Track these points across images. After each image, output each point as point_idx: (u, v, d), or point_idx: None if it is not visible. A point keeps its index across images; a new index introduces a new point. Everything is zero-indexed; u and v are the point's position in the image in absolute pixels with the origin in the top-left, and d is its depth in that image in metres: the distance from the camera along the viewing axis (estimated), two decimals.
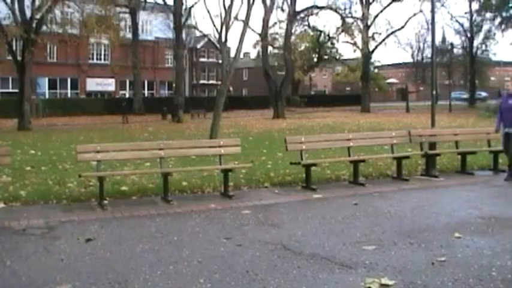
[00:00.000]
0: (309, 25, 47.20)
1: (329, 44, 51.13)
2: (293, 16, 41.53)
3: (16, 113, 28.01)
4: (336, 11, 44.59)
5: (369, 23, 45.00)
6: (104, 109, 43.75)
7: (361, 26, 43.00)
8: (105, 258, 5.01)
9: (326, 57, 53.06)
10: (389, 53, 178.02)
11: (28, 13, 26.16)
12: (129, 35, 43.85)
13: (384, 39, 48.54)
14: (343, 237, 5.63)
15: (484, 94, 62.29)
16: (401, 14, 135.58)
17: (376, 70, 63.07)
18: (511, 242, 5.39)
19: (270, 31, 41.43)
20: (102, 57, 55.01)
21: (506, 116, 9.50)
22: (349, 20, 44.42)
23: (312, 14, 46.11)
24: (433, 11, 12.08)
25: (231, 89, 59.86)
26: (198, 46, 71.60)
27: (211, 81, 74.10)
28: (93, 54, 54.35)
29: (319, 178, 9.39)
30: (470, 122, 25.92)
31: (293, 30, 42.80)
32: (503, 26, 49.02)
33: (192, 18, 52.10)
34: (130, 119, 35.60)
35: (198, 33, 55.72)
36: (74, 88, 54.03)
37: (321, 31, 48.26)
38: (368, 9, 44.98)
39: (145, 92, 56.08)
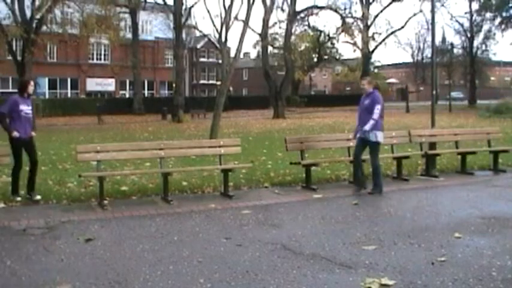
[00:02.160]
0: (309, 25, 47.22)
1: (329, 44, 51.12)
2: (293, 16, 41.53)
3: None
4: (336, 11, 44.57)
5: (368, 23, 45.04)
6: (103, 109, 43.69)
7: (361, 26, 43.02)
8: (105, 258, 5.01)
9: (326, 57, 53.05)
10: (389, 53, 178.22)
11: (28, 13, 26.16)
12: (129, 35, 43.85)
13: (384, 39, 48.66)
14: (343, 237, 5.63)
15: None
16: (401, 14, 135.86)
17: (376, 70, 63.06)
18: (511, 242, 5.39)
19: (270, 31, 41.49)
20: (102, 57, 55.04)
21: (362, 118, 8.30)
22: (349, 20, 44.45)
23: (312, 14, 46.11)
24: (433, 11, 12.08)
25: (231, 89, 59.92)
26: (198, 46, 71.66)
27: (211, 81, 74.15)
28: (93, 54, 54.38)
29: (319, 178, 9.39)
30: (470, 122, 25.93)
31: (293, 30, 42.80)
32: (503, 26, 49.11)
33: (192, 18, 52.21)
34: (131, 119, 35.62)
35: (198, 33, 55.78)
36: (74, 88, 54.05)
37: (321, 31, 48.27)
38: (368, 9, 45.01)
39: (145, 92, 56.11)
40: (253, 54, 70.85)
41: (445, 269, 4.53)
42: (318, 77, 79.35)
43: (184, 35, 41.48)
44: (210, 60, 74.24)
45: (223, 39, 21.51)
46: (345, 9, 45.37)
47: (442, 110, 36.96)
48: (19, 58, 26.87)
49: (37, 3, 25.85)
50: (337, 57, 54.79)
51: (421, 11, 47.93)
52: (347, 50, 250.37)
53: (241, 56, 35.07)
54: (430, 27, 18.36)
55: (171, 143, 9.12)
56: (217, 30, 23.53)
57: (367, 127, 8.06)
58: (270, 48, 44.40)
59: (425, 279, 4.30)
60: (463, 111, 39.50)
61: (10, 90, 46.08)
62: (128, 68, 46.78)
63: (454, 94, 61.92)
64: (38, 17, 26.00)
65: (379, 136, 8.18)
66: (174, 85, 41.69)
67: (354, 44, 45.49)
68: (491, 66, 68.05)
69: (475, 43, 52.78)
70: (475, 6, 50.44)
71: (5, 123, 7.68)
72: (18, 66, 26.84)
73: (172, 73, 47.57)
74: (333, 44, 51.53)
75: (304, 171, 8.84)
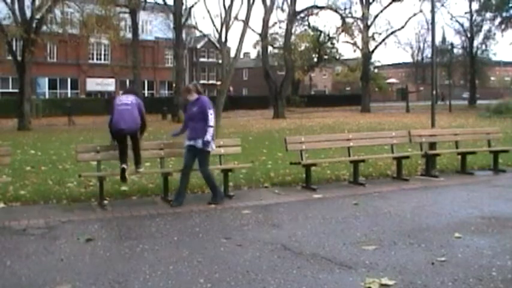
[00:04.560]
0: (309, 25, 47.20)
1: (329, 44, 51.05)
2: (293, 16, 41.51)
3: (16, 113, 28.02)
4: (336, 11, 44.56)
5: (369, 23, 45.00)
6: (104, 109, 43.66)
7: (361, 26, 42.98)
8: (105, 258, 5.01)
9: (326, 57, 52.97)
10: (389, 53, 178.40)
11: (28, 13, 26.18)
12: (129, 35, 43.79)
13: (384, 39, 48.65)
14: (343, 237, 5.63)
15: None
16: (401, 14, 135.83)
17: (376, 70, 63.03)
18: (511, 242, 5.39)
19: (270, 31, 41.43)
20: (102, 57, 55.02)
21: (190, 125, 7.67)
22: (349, 20, 44.40)
23: (312, 14, 46.09)
24: (433, 11, 12.09)
25: (231, 89, 59.90)
26: (198, 46, 71.66)
27: (211, 81, 74.14)
28: (93, 54, 54.37)
29: (319, 178, 9.39)
30: (470, 122, 25.93)
31: (293, 30, 42.77)
32: (503, 26, 49.14)
33: (192, 18, 52.11)
34: None
35: (198, 33, 55.70)
36: (74, 88, 54.03)
37: (321, 31, 48.24)
38: (368, 9, 44.97)
39: (146, 92, 56.09)
40: (253, 54, 70.96)
41: (445, 269, 4.53)
42: (318, 77, 79.31)
43: (184, 35, 41.43)
44: (210, 60, 74.24)
45: (223, 39, 21.49)
46: (345, 9, 45.40)
47: (442, 110, 36.95)
48: (19, 58, 26.89)
49: (37, 3, 25.88)
50: (337, 57, 54.71)
51: (421, 11, 47.90)
52: (347, 50, 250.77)
53: (241, 56, 35.05)
54: (430, 27, 18.38)
55: (171, 143, 9.10)
56: (217, 30, 23.51)
57: (207, 137, 7.41)
58: (270, 48, 44.37)
59: (425, 279, 4.30)
60: (463, 111, 39.49)
61: (10, 90, 46.10)
62: (128, 68, 46.69)
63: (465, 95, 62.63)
64: (38, 17, 26.03)
65: (207, 144, 7.51)
66: (174, 85, 41.68)
67: (354, 44, 45.48)
68: (491, 66, 68.15)
69: (475, 43, 52.86)
70: (475, 6, 50.53)
71: None
72: (18, 66, 26.86)
73: (172, 73, 47.55)
74: (333, 44, 51.50)
75: (304, 171, 8.84)
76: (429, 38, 27.69)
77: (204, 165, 7.61)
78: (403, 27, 59.51)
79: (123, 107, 7.57)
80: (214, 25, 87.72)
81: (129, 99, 7.70)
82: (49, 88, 52.22)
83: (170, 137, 8.98)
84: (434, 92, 11.51)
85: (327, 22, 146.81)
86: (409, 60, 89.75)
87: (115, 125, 7.53)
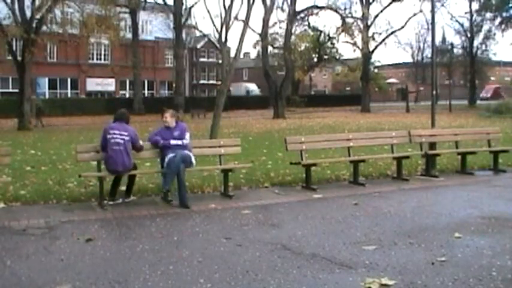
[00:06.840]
0: (309, 25, 47.16)
1: (329, 44, 50.99)
2: (293, 16, 41.49)
3: (16, 113, 28.01)
4: (336, 11, 44.53)
5: (369, 23, 44.98)
6: (104, 109, 43.68)
7: (361, 26, 42.93)
8: (105, 258, 5.01)
9: (326, 57, 52.91)
10: (389, 53, 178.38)
11: (28, 13, 26.15)
12: (129, 35, 43.82)
13: (384, 39, 48.59)
14: (343, 237, 5.63)
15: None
16: (401, 14, 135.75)
17: (376, 70, 63.01)
18: (511, 242, 5.39)
19: (270, 31, 41.39)
20: (102, 57, 55.02)
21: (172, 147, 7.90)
22: (349, 20, 44.35)
23: (312, 14, 46.06)
24: (433, 11, 12.10)
25: (231, 89, 59.91)
26: (198, 46, 71.64)
27: (211, 81, 74.13)
28: (93, 54, 54.36)
29: (319, 178, 9.40)
30: (470, 122, 25.93)
31: (293, 30, 42.74)
32: (503, 26, 49.09)
33: (192, 18, 52.32)
34: (131, 119, 35.47)
35: (198, 33, 55.78)
36: (74, 88, 54.04)
37: (321, 31, 48.17)
38: (368, 9, 44.95)
39: (146, 92, 56.08)
40: (253, 54, 70.89)
41: (445, 269, 4.54)
42: (318, 77, 79.25)
43: (184, 35, 41.46)
44: (210, 60, 74.21)
45: (223, 39, 21.53)
46: (345, 9, 45.34)
47: (442, 109, 36.95)
48: (19, 58, 26.85)
49: (37, 3, 25.84)
50: (337, 57, 54.63)
51: (421, 11, 47.83)
52: (347, 50, 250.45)
53: (241, 56, 35.05)
54: (430, 27, 18.38)
55: None
56: (217, 30, 23.59)
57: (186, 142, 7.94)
58: (270, 48, 44.34)
59: (425, 279, 4.30)
60: (463, 111, 39.49)
61: (10, 90, 46.11)
62: (128, 68, 46.73)
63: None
64: (38, 17, 25.99)
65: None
66: (174, 85, 41.68)
67: (354, 44, 45.38)
68: (491, 66, 68.04)
69: (475, 43, 52.77)
70: (475, 6, 50.47)
71: None
72: (18, 66, 26.83)
73: (172, 73, 47.58)
74: (333, 44, 51.41)
75: (304, 171, 8.84)
76: (429, 38, 27.71)
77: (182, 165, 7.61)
78: (403, 27, 59.55)
79: (117, 148, 7.38)
80: (214, 25, 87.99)
81: (123, 134, 7.49)
82: (49, 88, 52.21)
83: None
84: (434, 92, 11.51)
85: (327, 22, 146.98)
86: (409, 60, 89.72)
87: (111, 165, 7.43)
